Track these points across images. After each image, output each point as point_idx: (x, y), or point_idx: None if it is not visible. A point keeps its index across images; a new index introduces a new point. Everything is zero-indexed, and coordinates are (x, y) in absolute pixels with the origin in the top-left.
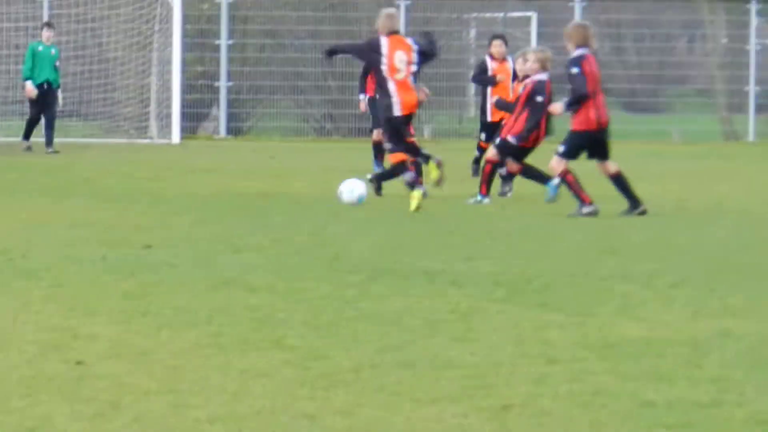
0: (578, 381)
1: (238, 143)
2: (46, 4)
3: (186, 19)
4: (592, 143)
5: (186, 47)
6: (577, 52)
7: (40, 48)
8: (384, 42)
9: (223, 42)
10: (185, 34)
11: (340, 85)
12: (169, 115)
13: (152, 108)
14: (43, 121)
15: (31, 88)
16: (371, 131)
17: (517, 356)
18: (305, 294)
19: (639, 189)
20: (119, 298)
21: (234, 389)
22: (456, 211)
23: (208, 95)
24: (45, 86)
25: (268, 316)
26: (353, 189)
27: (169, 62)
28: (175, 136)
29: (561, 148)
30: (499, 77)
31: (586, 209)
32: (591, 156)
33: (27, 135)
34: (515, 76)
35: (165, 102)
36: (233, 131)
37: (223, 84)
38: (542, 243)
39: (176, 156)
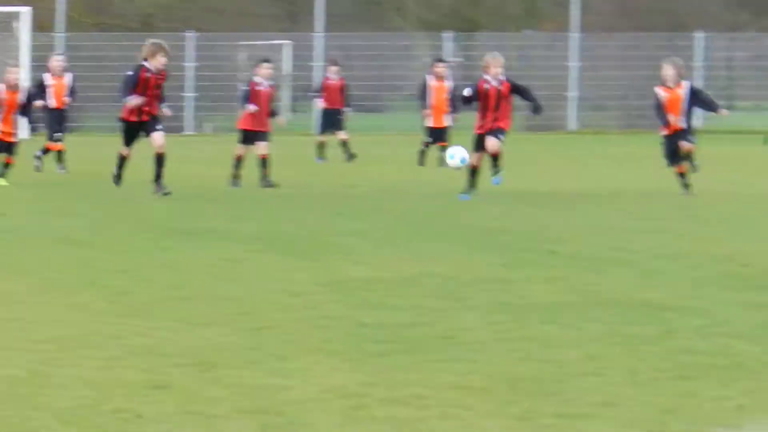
0: (313, 309)
1: None
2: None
3: None
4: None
5: None
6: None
7: None
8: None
9: None
10: None
11: None
12: None
13: None
14: None
15: None
16: None
17: (271, 291)
18: (120, 246)
19: (371, 169)
20: None
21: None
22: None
23: None
24: None
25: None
26: (453, 154)
27: None
28: None
29: None
30: None
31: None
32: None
33: None
34: None
35: None
36: None
37: None
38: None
39: None
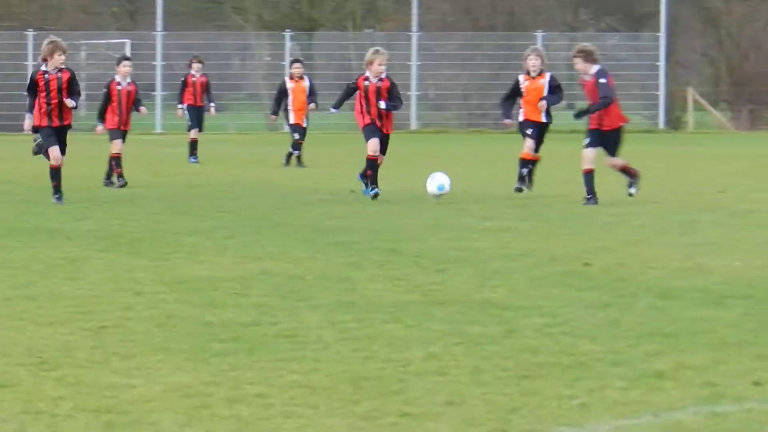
0: (157, 308)
1: None
2: None
3: None
4: None
5: None
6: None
7: None
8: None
9: None
10: None
11: None
12: None
13: None
14: None
15: None
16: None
17: (114, 290)
18: None
19: (214, 168)
20: None
21: None
22: None
23: None
24: None
25: None
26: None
27: None
28: None
29: None
30: None
31: None
32: None
33: None
34: None
35: None
36: None
37: None
38: (133, 206)
39: None
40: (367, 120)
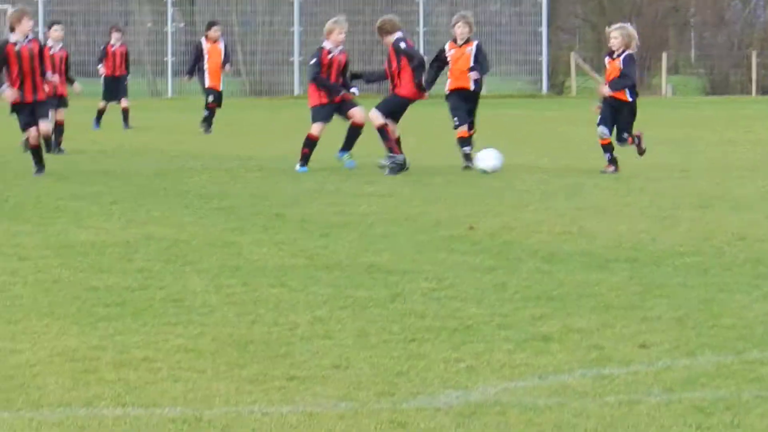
0: (42, 272)
1: None
2: None
3: None
4: None
5: None
6: None
7: None
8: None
9: None
10: None
11: None
12: None
13: None
14: None
15: None
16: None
17: None
18: None
19: (98, 134)
20: None
21: None
22: None
23: None
24: None
25: None
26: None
27: None
28: None
29: None
30: None
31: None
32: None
33: None
34: None
35: None
36: None
37: None
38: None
39: None
40: (324, 100)
